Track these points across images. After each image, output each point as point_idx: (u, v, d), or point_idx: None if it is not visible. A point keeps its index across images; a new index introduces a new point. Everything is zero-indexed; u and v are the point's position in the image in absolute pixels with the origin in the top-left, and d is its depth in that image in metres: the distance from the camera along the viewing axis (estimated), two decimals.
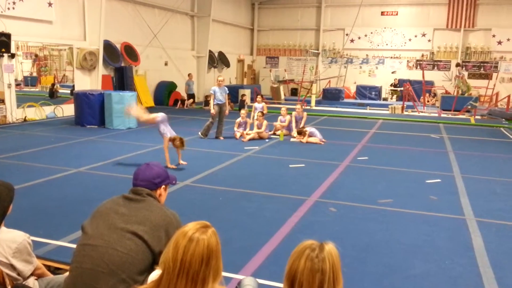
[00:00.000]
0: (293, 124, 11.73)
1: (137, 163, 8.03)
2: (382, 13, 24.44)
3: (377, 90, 23.35)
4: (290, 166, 8.31)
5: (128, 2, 16.94)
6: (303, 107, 12.33)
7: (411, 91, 19.33)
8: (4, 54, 12.21)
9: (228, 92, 11.17)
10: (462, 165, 8.65)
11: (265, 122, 11.33)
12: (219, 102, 10.92)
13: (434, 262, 4.26)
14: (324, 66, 25.90)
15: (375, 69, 25.21)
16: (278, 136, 11.38)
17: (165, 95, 18.94)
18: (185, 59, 21.00)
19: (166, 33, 19.22)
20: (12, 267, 2.47)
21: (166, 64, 19.63)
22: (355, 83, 24.69)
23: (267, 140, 11.03)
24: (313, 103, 20.04)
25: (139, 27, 17.69)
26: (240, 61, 26.39)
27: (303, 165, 8.41)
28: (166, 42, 19.28)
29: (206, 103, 18.85)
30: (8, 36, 12.10)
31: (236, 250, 4.34)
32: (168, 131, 7.90)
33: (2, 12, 12.06)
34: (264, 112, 12.12)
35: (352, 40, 25.06)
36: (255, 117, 11.61)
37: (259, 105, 12.49)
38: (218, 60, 23.20)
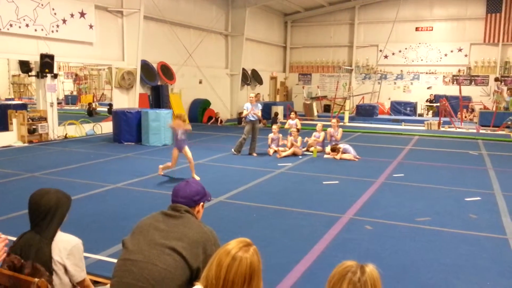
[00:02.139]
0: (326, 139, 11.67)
1: (172, 179, 8.18)
2: (417, 29, 24.17)
3: (412, 106, 22.95)
4: (324, 183, 8.25)
5: (165, 23, 17.45)
6: (338, 122, 12.24)
7: (447, 107, 18.90)
8: (48, 75, 12.77)
9: (261, 108, 11.25)
10: (503, 183, 8.35)
11: (299, 138, 11.33)
12: (251, 119, 11.01)
13: (476, 284, 4.12)
14: (358, 82, 25.73)
15: (410, 85, 24.83)
16: (311, 153, 11.34)
17: (199, 112, 19.26)
18: (219, 77, 21.34)
19: (201, 52, 19.64)
20: (65, 269, 2.57)
21: (200, 82, 20.00)
22: (389, 99, 24.37)
23: (300, 157, 11.01)
24: (346, 119, 19.89)
25: (175, 47, 18.16)
26: (273, 78, 26.58)
27: (337, 182, 8.33)
28: (201, 61, 19.69)
29: (240, 120, 19.05)
30: (51, 57, 12.67)
31: (270, 268, 4.33)
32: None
33: (46, 34, 12.67)
34: (298, 128, 12.13)
35: (386, 56, 24.84)
36: (289, 133, 11.63)
37: (293, 122, 12.51)
38: (251, 78, 23.46)
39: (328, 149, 11.24)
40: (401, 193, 7.56)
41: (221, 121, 18.92)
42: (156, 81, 16.99)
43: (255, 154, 11.09)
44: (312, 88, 25.68)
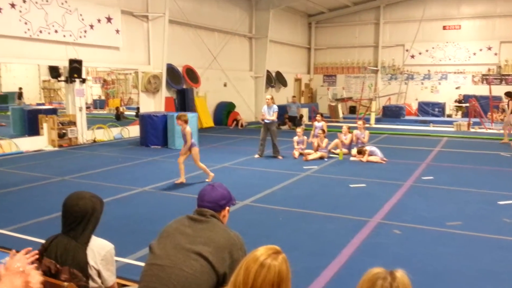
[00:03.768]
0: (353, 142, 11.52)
1: (197, 182, 8.21)
2: (444, 27, 23.66)
3: (441, 107, 22.47)
4: (351, 186, 8.14)
5: (190, 26, 17.61)
6: (364, 124, 12.07)
7: (477, 107, 18.41)
8: (76, 80, 13.05)
9: (276, 110, 11.15)
10: None
11: (325, 140, 11.22)
12: (266, 121, 10.98)
13: None
14: (384, 83, 25.37)
15: (437, 85, 24.32)
16: (337, 155, 11.22)
17: (224, 115, 19.33)
18: (243, 79, 21.39)
19: (225, 55, 19.74)
20: (99, 273, 2.60)
21: (225, 85, 20.08)
22: (416, 99, 23.93)
23: (326, 160, 10.90)
24: (372, 121, 19.62)
25: (199, 50, 18.31)
26: (297, 80, 26.47)
27: (364, 185, 8.21)
28: (225, 63, 19.78)
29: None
30: (79, 62, 12.95)
31: (297, 273, 4.24)
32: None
33: (74, 40, 12.95)
34: (324, 130, 12.02)
35: (412, 56, 24.41)
36: (314, 135, 11.54)
37: (319, 124, 12.39)
38: (275, 80, 23.42)
39: (354, 151, 11.10)
40: (430, 196, 7.38)
41: (242, 125, 18.86)
42: (181, 85, 17.15)
43: (280, 157, 11.04)
44: (337, 89, 25.45)
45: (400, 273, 1.68)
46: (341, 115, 22.12)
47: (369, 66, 25.23)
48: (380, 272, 1.68)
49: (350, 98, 24.48)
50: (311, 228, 5.72)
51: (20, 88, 21.70)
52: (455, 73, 23.82)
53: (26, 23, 11.61)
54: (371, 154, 10.70)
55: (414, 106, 23.52)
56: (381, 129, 17.52)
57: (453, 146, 13.45)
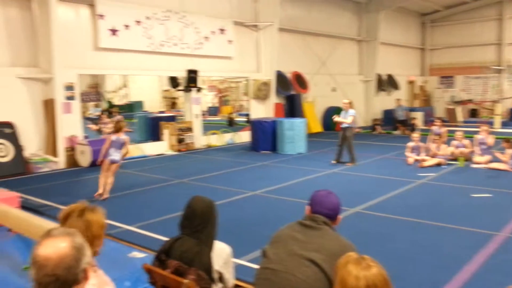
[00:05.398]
0: (476, 148, 10.60)
1: (306, 188, 8.20)
2: None
3: None
4: (473, 195, 7.49)
5: (298, 33, 17.77)
6: (489, 128, 11.06)
7: None
8: (193, 89, 13.92)
9: (352, 114, 10.61)
10: None
11: (443, 146, 10.52)
12: (342, 126, 10.63)
13: None
14: (510, 83, 23.01)
15: None
16: (457, 162, 10.43)
17: (332, 120, 19.08)
18: (352, 84, 20.96)
19: (333, 60, 19.54)
20: (220, 276, 2.73)
21: (334, 90, 19.86)
22: None
23: (444, 166, 10.20)
24: (497, 124, 17.91)
25: (307, 56, 18.37)
26: (411, 82, 25.20)
27: (490, 195, 7.50)
28: (333, 68, 19.58)
29: (373, 127, 18.44)
30: (196, 72, 13.80)
31: (411, 287, 4.05)
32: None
33: (191, 52, 13.84)
34: (443, 137, 11.26)
35: None
36: (431, 140, 10.88)
37: (437, 130, 11.63)
38: (386, 83, 22.57)
39: (477, 158, 10.22)
40: None
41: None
42: (290, 91, 17.35)
43: (348, 164, 10.50)
44: (456, 91, 23.71)
45: None
46: (460, 119, 20.56)
47: (492, 66, 23.07)
48: None
49: (470, 101, 22.67)
50: (427, 239, 5.38)
51: None
52: None
53: (149, 38, 12.71)
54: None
55: None
56: (507, 134, 15.87)
57: None
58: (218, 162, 11.57)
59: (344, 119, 10.62)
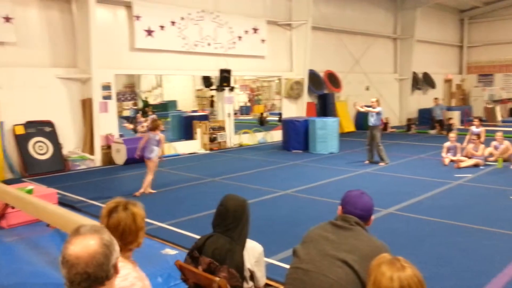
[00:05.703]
0: None
1: (338, 188, 8.13)
2: None
3: None
4: None
5: (331, 31, 17.60)
6: None
7: None
8: (225, 88, 14.02)
9: (379, 111, 10.49)
10: None
11: (481, 147, 10.19)
12: (369, 124, 10.52)
13: None
14: None
15: None
16: (496, 163, 10.08)
17: (365, 120, 18.80)
18: (387, 82, 20.60)
19: (367, 58, 19.25)
20: (251, 275, 2.75)
21: (367, 89, 19.57)
22: None
23: (482, 167, 9.88)
24: None
25: (341, 54, 18.17)
26: (448, 81, 24.54)
27: None
28: (367, 67, 19.29)
29: (409, 127, 18.05)
30: (229, 72, 13.89)
31: None
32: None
33: (225, 51, 13.94)
34: (481, 136, 10.90)
35: None
36: (468, 140, 10.55)
37: (476, 130, 11.28)
38: (422, 81, 22.06)
39: None
40: None
41: (386, 129, 17.97)
42: (323, 90, 17.21)
43: (381, 164, 10.38)
44: (495, 90, 22.91)
45: None
46: (499, 118, 19.86)
47: None
48: None
49: (509, 99, 21.85)
50: (463, 242, 5.23)
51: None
52: None
53: (183, 38, 12.89)
54: None
55: None
56: None
57: None
58: (250, 161, 11.61)
59: (371, 117, 10.60)
